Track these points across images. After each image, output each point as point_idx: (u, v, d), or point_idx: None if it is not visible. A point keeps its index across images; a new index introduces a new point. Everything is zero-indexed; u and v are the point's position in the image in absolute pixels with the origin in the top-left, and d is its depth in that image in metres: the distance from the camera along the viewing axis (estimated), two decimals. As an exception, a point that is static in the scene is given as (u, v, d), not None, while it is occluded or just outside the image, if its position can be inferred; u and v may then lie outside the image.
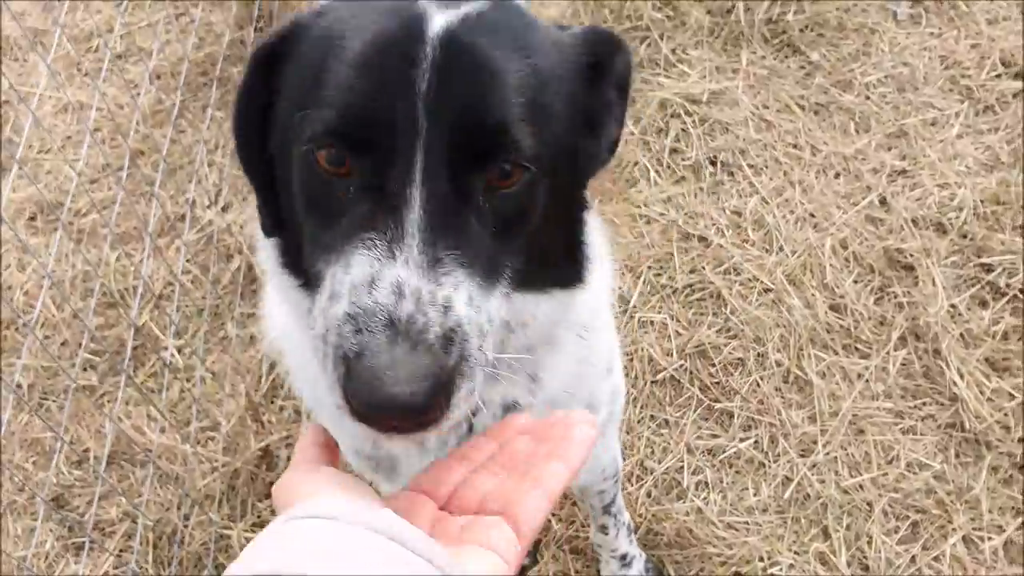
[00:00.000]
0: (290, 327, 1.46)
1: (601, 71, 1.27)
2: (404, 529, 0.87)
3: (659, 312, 3.01)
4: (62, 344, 3.25)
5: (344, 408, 1.02)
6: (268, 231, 1.34)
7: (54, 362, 3.11)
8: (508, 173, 1.12)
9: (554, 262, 1.30)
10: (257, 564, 0.84)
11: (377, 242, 1.05)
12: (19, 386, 3.14)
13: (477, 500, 0.99)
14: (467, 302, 1.07)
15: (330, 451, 1.05)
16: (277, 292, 1.41)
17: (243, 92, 1.25)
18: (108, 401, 3.12)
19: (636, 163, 3.36)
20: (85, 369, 3.17)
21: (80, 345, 3.20)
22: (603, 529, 2.41)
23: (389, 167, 1.07)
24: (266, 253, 1.38)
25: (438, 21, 1.10)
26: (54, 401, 3.14)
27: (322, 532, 0.86)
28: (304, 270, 1.26)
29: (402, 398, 0.97)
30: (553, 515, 2.68)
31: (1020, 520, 2.57)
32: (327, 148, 1.10)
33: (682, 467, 2.74)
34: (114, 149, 3.68)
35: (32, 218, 3.59)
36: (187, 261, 3.34)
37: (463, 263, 1.08)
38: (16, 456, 3.03)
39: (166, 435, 2.98)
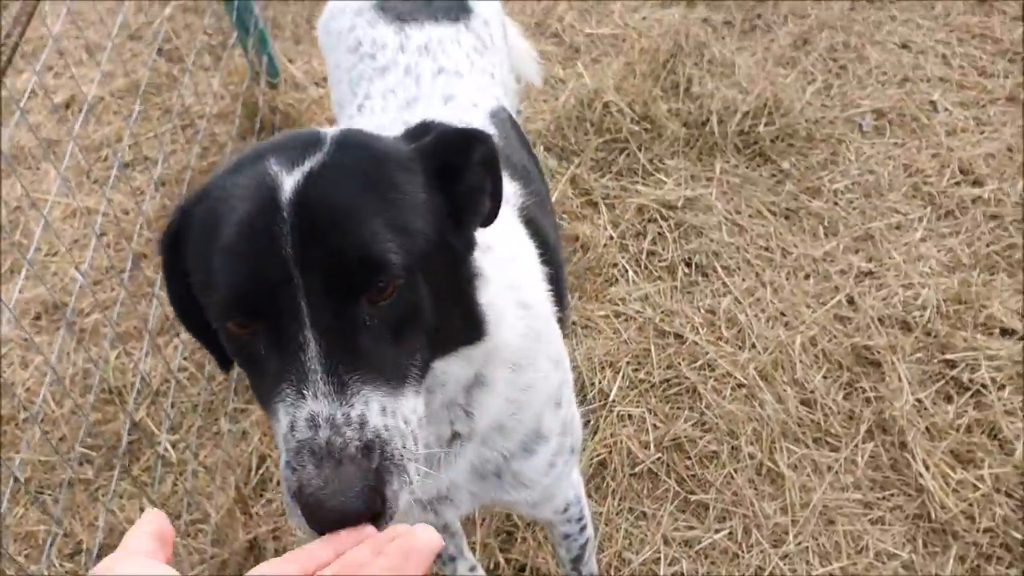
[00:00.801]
0: None
1: (458, 168, 1.44)
2: None
3: (637, 406, 3.12)
4: (60, 439, 3.35)
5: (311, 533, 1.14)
6: (224, 367, 1.54)
7: (53, 456, 3.21)
8: (383, 288, 1.25)
9: (454, 329, 1.46)
10: None
11: (288, 390, 1.20)
12: (16, 480, 3.23)
13: None
14: (380, 412, 1.21)
15: (163, 541, 1.04)
16: None
17: (165, 275, 1.44)
18: (103, 494, 3.20)
19: (615, 264, 3.53)
20: (82, 463, 3.27)
21: (78, 440, 3.31)
22: None
23: (281, 323, 1.22)
24: None
25: (288, 186, 1.25)
26: (49, 495, 3.22)
27: None
28: None
29: (340, 508, 1.10)
30: (532, 605, 2.75)
31: (987, 609, 2.63)
32: (230, 322, 1.27)
33: (659, 558, 2.81)
34: (118, 252, 3.85)
35: (37, 317, 3.73)
36: (184, 359, 3.47)
37: (366, 380, 1.21)
38: (10, 548, 3.10)
39: (157, 527, 3.05)
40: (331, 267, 1.21)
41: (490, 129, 2.19)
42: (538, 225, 2.01)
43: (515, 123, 2.46)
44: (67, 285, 3.81)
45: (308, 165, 1.27)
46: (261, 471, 3.13)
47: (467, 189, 1.45)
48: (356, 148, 1.35)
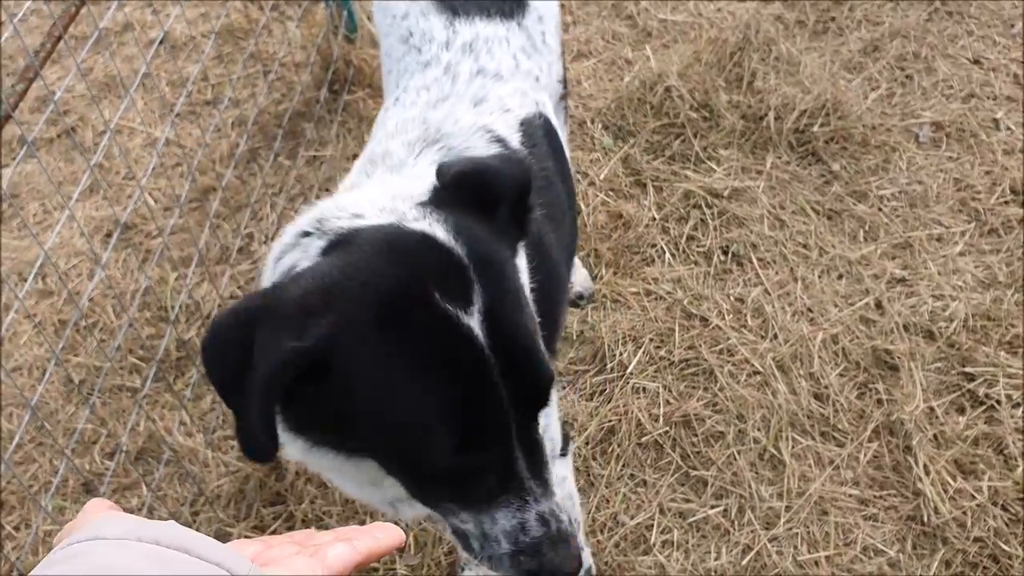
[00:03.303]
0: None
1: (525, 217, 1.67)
2: (190, 538, 0.85)
3: (654, 381, 3.23)
4: (117, 348, 3.60)
5: None
6: (263, 456, 1.49)
7: (105, 362, 3.46)
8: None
9: None
10: None
11: (510, 499, 1.48)
12: (71, 380, 3.49)
13: (274, 559, 1.01)
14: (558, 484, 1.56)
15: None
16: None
17: (272, 386, 1.36)
18: (148, 403, 3.44)
19: (654, 245, 3.62)
20: (131, 372, 3.51)
21: (130, 351, 3.56)
22: None
23: (499, 449, 1.45)
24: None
25: (476, 327, 1.38)
26: (99, 398, 3.47)
27: (100, 551, 0.83)
28: None
29: (575, 570, 1.52)
30: (525, 552, 2.89)
31: (964, 614, 2.68)
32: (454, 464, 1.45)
33: (652, 524, 2.92)
34: (191, 183, 4.09)
35: (108, 235, 3.99)
36: (237, 288, 3.69)
37: (549, 468, 1.52)
38: (61, 442, 3.35)
39: (193, 439, 3.28)
40: (532, 398, 1.46)
41: (516, 137, 2.21)
42: (542, 240, 2.05)
43: (550, 130, 2.39)
44: (139, 208, 4.06)
45: (478, 302, 1.40)
46: (292, 399, 3.32)
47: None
48: (491, 265, 1.48)
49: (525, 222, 1.62)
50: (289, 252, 1.64)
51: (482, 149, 2.07)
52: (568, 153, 3.05)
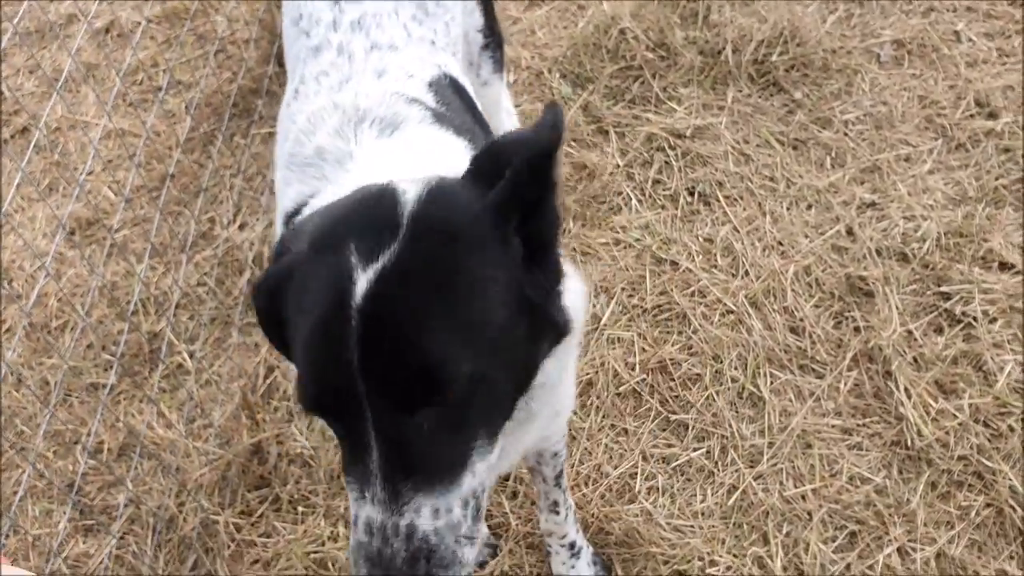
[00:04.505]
0: None
1: (536, 201, 1.38)
2: None
3: (628, 330, 3.19)
4: (88, 347, 3.56)
5: None
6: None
7: (80, 362, 3.43)
8: (442, 400, 1.29)
9: (538, 360, 1.49)
10: None
11: (356, 484, 1.31)
12: (47, 382, 3.46)
13: None
14: (431, 516, 1.30)
15: None
16: None
17: (261, 320, 1.50)
18: (125, 399, 3.41)
19: (620, 193, 3.57)
20: (106, 369, 3.48)
21: (104, 347, 3.52)
22: (554, 508, 2.54)
23: (352, 424, 1.30)
24: None
25: (360, 287, 1.26)
26: (76, 397, 3.45)
27: None
28: None
29: None
30: (512, 512, 2.88)
31: (952, 533, 2.68)
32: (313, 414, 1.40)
33: (636, 472, 2.91)
34: (145, 172, 4.02)
35: (72, 232, 3.94)
36: (204, 275, 3.64)
37: (419, 487, 1.29)
38: (40, 445, 3.33)
39: (171, 431, 3.26)
40: (391, 380, 1.26)
41: (429, 97, 2.15)
42: None
43: (459, 87, 2.32)
44: (100, 203, 4.00)
45: (381, 261, 1.27)
46: (269, 381, 3.30)
47: (546, 216, 1.41)
48: (432, 235, 1.32)
49: (533, 198, 1.37)
50: None
51: (404, 111, 2.01)
52: (510, 103, 2.99)
